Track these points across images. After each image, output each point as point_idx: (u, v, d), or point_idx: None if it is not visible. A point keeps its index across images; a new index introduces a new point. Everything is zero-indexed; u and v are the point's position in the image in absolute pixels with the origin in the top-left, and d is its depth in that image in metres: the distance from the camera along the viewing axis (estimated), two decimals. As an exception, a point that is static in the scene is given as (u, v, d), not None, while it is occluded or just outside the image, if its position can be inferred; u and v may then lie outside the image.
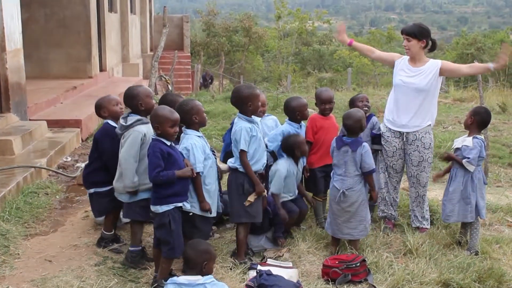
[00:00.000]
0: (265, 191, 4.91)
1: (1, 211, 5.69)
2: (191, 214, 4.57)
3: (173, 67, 20.89)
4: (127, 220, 5.17)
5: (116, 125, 4.98)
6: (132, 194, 4.73)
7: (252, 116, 4.98)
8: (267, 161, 5.22)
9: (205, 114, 4.81)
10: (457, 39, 38.74)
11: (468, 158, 5.28)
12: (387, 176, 5.98)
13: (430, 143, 5.77)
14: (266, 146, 5.39)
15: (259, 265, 4.75)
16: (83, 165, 7.64)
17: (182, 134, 4.61)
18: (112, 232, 5.27)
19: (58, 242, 5.28)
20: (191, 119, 4.62)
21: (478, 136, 5.41)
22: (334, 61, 37.47)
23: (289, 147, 5.51)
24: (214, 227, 5.73)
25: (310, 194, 5.88)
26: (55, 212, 6.09)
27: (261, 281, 4.35)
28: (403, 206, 6.33)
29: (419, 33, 5.71)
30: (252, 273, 4.61)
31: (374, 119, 6.05)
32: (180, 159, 4.44)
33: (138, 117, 4.75)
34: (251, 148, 4.88)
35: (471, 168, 5.29)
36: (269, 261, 4.95)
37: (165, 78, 17.69)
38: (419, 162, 5.78)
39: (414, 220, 5.88)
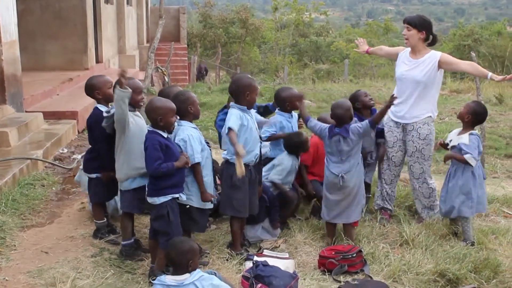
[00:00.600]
0: (244, 153, 4.59)
1: (-3, 203, 5.68)
2: (188, 206, 4.57)
3: (170, 59, 20.86)
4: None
5: (103, 109, 4.95)
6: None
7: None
8: (262, 153, 5.21)
9: (199, 107, 4.80)
10: (454, 31, 38.68)
11: (470, 153, 5.27)
12: (385, 169, 6.00)
13: (427, 135, 5.75)
14: (261, 138, 5.34)
15: (255, 256, 4.75)
16: (79, 156, 7.67)
17: (176, 126, 4.58)
18: (105, 220, 5.26)
19: (54, 234, 5.27)
20: (186, 109, 4.61)
21: (473, 132, 5.40)
22: (331, 52, 37.39)
23: (292, 146, 5.61)
24: (210, 218, 5.73)
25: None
26: (52, 204, 6.08)
27: (257, 272, 4.35)
28: (399, 197, 6.34)
29: (419, 24, 5.69)
30: (249, 264, 4.61)
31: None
32: (177, 150, 4.44)
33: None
34: (241, 137, 4.81)
35: (473, 162, 5.27)
36: (266, 252, 4.96)
37: (161, 69, 17.63)
38: (412, 152, 5.79)
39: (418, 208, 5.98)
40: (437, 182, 6.07)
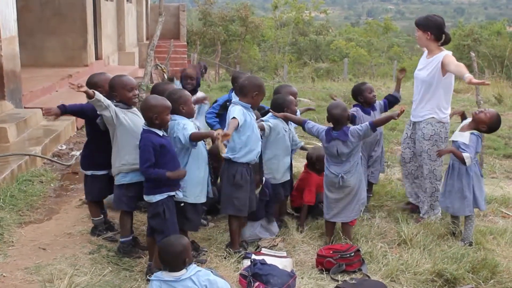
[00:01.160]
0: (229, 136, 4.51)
1: (-4, 199, 5.67)
2: (182, 204, 4.56)
3: (169, 56, 20.81)
4: None
5: None
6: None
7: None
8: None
9: (193, 106, 4.77)
10: (454, 30, 38.56)
11: (468, 153, 5.26)
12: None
13: (431, 135, 5.75)
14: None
15: (253, 255, 4.76)
16: (78, 153, 7.65)
17: (170, 121, 4.51)
18: (101, 217, 5.25)
19: (52, 230, 5.27)
20: (178, 108, 4.56)
21: (475, 132, 5.38)
22: (330, 51, 37.33)
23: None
24: (209, 217, 5.73)
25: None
26: (50, 200, 6.07)
27: (255, 270, 4.36)
28: (398, 195, 6.35)
29: (424, 25, 5.71)
30: (247, 263, 4.61)
31: (377, 102, 6.12)
32: (172, 147, 4.44)
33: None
34: (243, 134, 4.81)
35: (468, 162, 5.26)
36: (264, 250, 4.96)
37: (161, 67, 17.57)
38: (420, 152, 5.84)
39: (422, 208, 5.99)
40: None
